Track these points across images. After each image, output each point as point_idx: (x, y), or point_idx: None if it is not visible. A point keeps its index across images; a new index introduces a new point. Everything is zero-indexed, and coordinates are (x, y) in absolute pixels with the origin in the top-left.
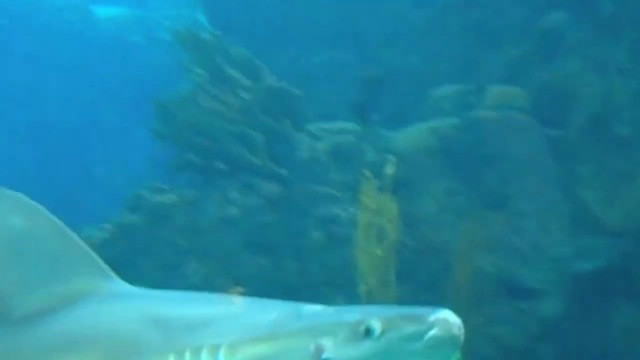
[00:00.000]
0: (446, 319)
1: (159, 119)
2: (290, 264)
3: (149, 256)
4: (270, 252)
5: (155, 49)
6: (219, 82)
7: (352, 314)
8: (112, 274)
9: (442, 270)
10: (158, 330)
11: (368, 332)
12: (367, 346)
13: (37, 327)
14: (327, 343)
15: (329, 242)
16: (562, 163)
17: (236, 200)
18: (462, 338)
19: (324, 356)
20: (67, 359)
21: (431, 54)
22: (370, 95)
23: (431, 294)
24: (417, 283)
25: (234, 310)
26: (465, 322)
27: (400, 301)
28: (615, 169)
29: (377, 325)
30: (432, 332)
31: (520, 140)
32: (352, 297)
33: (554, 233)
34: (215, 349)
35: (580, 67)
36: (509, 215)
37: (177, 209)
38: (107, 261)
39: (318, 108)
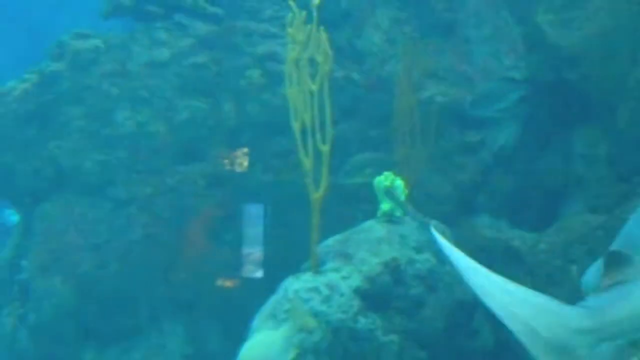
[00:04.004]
0: None
1: None
2: (228, 106)
3: (76, 105)
4: (206, 94)
5: None
6: None
7: None
8: None
9: (390, 104)
10: None
11: None
12: None
13: None
14: None
15: (268, 81)
16: None
17: (166, 42)
18: None
19: None
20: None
21: None
22: None
23: (379, 128)
24: (365, 118)
25: None
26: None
27: (346, 137)
28: None
29: None
30: None
31: None
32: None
33: (504, 59)
34: None
35: None
36: (458, 42)
37: (102, 55)
38: (32, 113)
39: None
